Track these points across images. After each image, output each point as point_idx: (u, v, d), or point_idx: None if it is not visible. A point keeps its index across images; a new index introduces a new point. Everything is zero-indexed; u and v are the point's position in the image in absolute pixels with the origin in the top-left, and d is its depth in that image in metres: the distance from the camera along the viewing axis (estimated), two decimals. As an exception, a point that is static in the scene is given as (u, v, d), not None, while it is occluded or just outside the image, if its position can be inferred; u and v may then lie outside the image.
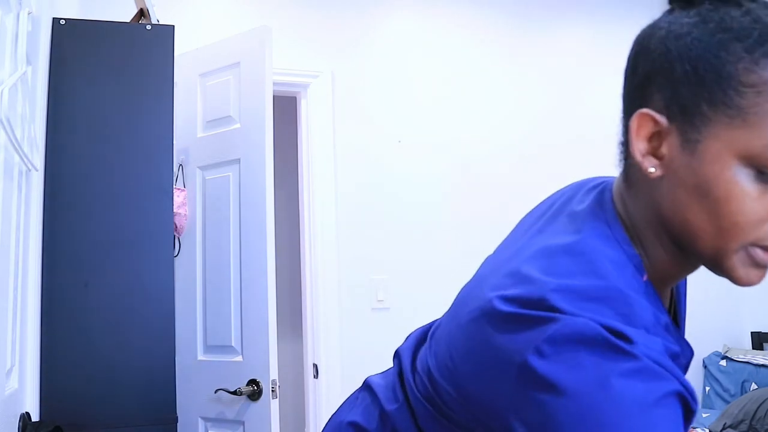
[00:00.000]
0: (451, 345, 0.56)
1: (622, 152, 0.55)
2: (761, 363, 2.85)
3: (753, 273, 0.50)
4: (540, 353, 0.44)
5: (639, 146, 0.50)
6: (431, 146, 2.82)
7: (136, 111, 1.26)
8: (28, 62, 1.00)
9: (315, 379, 2.26)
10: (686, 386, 0.45)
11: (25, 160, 0.95)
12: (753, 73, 0.45)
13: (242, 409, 1.71)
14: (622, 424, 0.40)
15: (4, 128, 0.79)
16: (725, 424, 2.52)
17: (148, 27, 1.31)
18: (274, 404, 1.65)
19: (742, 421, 2.49)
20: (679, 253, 0.53)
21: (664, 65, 0.49)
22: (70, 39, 1.23)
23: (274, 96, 1.82)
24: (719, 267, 0.50)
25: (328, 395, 2.22)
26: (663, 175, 0.50)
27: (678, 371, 0.46)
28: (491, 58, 3.01)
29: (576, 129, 3.11)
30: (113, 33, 1.28)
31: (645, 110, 0.49)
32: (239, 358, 1.74)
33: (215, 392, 1.72)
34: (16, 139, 0.84)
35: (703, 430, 2.60)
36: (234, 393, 1.67)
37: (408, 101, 2.82)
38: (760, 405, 2.49)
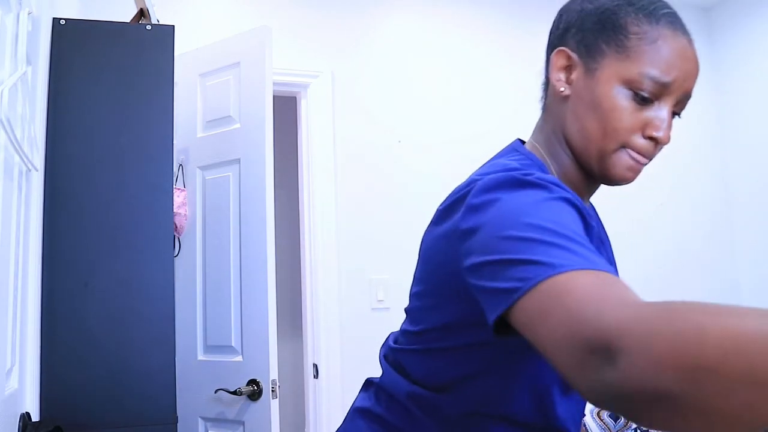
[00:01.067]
0: (416, 271, 0.73)
1: (543, 90, 0.75)
2: (761, 363, 2.85)
3: (627, 173, 0.67)
4: (468, 206, 0.59)
5: (556, 74, 0.70)
6: (431, 146, 2.82)
7: (136, 111, 1.26)
8: (28, 62, 1.00)
9: (315, 379, 2.26)
10: (579, 202, 0.59)
11: (25, 160, 0.95)
12: (636, 26, 0.64)
13: (242, 409, 1.71)
14: (525, 203, 0.55)
15: (5, 128, 0.79)
16: (725, 424, 2.52)
17: (148, 27, 1.31)
18: (274, 404, 1.65)
19: (741, 421, 2.49)
20: (576, 163, 0.71)
21: (579, 19, 0.69)
22: (70, 39, 1.23)
23: (274, 96, 1.82)
24: (602, 166, 0.67)
25: (328, 395, 2.22)
26: (570, 95, 0.69)
27: (572, 192, 0.59)
28: (491, 57, 3.01)
29: (576, 129, 3.11)
30: (113, 33, 1.28)
31: (562, 48, 0.69)
32: (239, 358, 1.74)
33: (215, 392, 1.72)
34: (16, 139, 0.84)
35: (702, 430, 2.60)
36: (234, 393, 1.67)
37: (408, 101, 2.82)
38: (760, 405, 2.49)
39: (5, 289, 0.88)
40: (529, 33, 3.09)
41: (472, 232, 0.57)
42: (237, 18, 2.52)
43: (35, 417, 1.09)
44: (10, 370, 0.93)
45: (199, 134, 1.94)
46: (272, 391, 1.64)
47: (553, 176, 0.65)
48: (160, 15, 1.66)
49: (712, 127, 3.41)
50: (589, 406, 2.71)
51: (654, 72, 0.63)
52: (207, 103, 1.92)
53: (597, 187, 0.75)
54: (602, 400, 0.43)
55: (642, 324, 0.39)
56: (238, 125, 1.84)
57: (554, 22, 0.73)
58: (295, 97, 2.62)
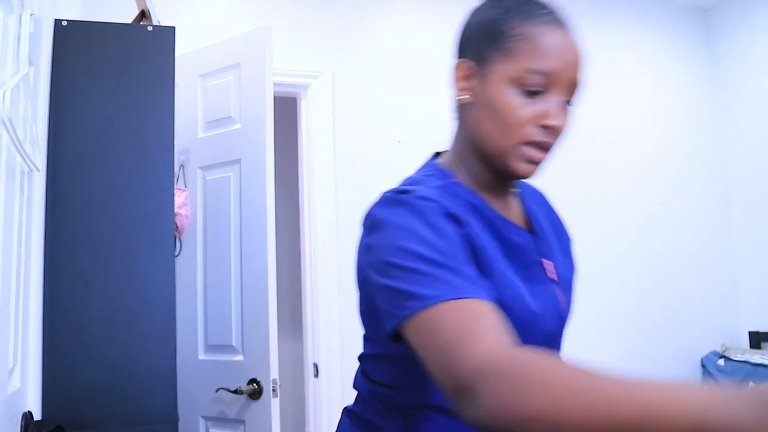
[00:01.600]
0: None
1: (454, 102, 0.78)
2: (759, 362, 2.86)
3: (527, 167, 0.71)
4: (363, 225, 0.71)
5: (457, 84, 0.75)
6: (431, 146, 2.82)
7: (137, 111, 1.27)
8: (30, 63, 1.01)
9: (315, 379, 2.27)
10: (449, 205, 0.67)
11: (27, 160, 0.95)
12: (515, 28, 0.70)
13: (243, 408, 1.72)
14: (399, 227, 0.64)
15: (7, 129, 0.79)
16: (724, 423, 2.53)
17: (150, 28, 1.32)
18: (275, 403, 1.66)
19: (740, 421, 2.50)
20: (483, 163, 0.75)
21: (472, 32, 0.76)
22: (71, 40, 1.24)
23: (274, 96, 1.82)
24: (504, 162, 0.71)
25: (328, 395, 2.23)
26: (472, 102, 0.73)
27: (446, 197, 0.69)
28: (491, 58, 3.01)
29: (575, 128, 3.11)
30: (115, 34, 1.28)
31: (461, 59, 0.75)
32: (240, 358, 1.75)
33: (216, 391, 1.72)
34: (18, 140, 0.85)
35: (701, 429, 2.61)
36: (235, 392, 1.67)
37: (408, 102, 2.82)
38: (759, 404, 2.50)
39: (7, 289, 0.88)
40: (528, 33, 3.09)
41: (367, 250, 0.69)
42: (237, 19, 2.53)
43: (37, 416, 1.09)
44: (12, 370, 0.94)
45: (200, 135, 1.94)
46: (273, 390, 1.65)
47: (433, 190, 0.70)
48: (161, 16, 1.67)
49: (711, 126, 3.41)
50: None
51: (534, 65, 0.68)
52: (207, 104, 1.93)
53: (511, 184, 0.79)
54: (474, 426, 0.53)
55: (492, 375, 0.51)
56: (238, 126, 1.84)
57: (456, 38, 0.80)
58: (296, 98, 2.63)
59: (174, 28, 1.32)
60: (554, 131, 0.70)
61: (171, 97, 1.30)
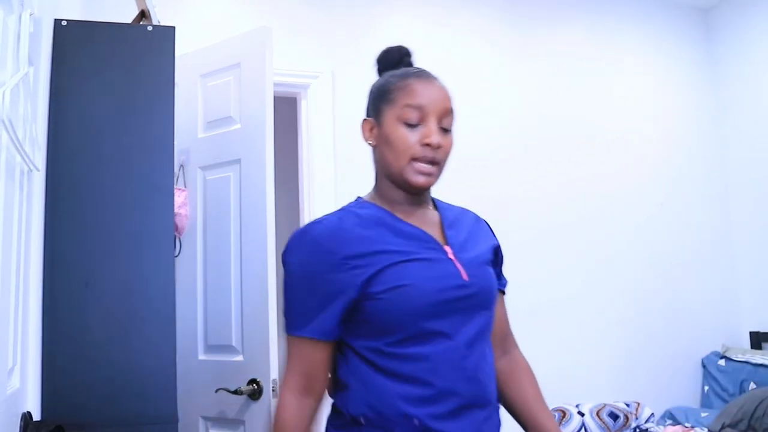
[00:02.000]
0: None
1: (371, 151, 1.06)
2: (760, 362, 2.86)
3: (420, 178, 0.97)
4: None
5: (365, 135, 1.04)
6: (431, 146, 2.82)
7: (137, 111, 1.27)
8: (30, 63, 1.01)
9: (315, 379, 2.26)
10: (320, 229, 0.98)
11: (27, 160, 0.95)
12: (395, 84, 1.00)
13: (243, 408, 1.72)
14: (291, 253, 0.99)
15: (6, 129, 0.79)
16: (724, 423, 2.53)
17: (149, 28, 1.32)
18: (275, 403, 1.65)
19: (740, 421, 2.50)
20: (395, 186, 1.01)
21: (370, 98, 1.06)
22: (71, 40, 1.23)
23: (274, 96, 1.82)
24: (403, 179, 0.98)
25: (326, 394, 2.22)
26: (376, 144, 1.02)
27: (331, 217, 1.00)
28: (490, 57, 3.01)
29: (575, 128, 3.12)
30: (114, 34, 1.28)
31: (365, 118, 1.05)
32: (240, 358, 1.75)
33: (216, 392, 1.72)
34: (17, 140, 0.85)
35: (702, 429, 2.61)
36: (234, 392, 1.67)
37: (408, 102, 2.82)
38: (759, 404, 2.50)
39: (7, 289, 0.88)
40: (528, 33, 3.10)
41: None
42: (237, 19, 2.52)
43: (36, 416, 1.09)
44: (11, 370, 0.93)
45: (200, 135, 1.94)
46: (273, 390, 1.64)
47: (329, 219, 0.99)
48: (160, 16, 1.67)
49: (711, 126, 3.41)
50: (588, 406, 2.71)
51: (410, 101, 0.97)
52: (207, 104, 1.93)
53: (419, 197, 1.03)
54: None
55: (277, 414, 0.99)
56: (238, 126, 1.84)
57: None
58: (296, 98, 2.63)
59: (174, 28, 1.32)
60: (434, 147, 0.96)
61: (171, 97, 1.30)
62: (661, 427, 2.69)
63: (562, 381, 2.87)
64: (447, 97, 1.01)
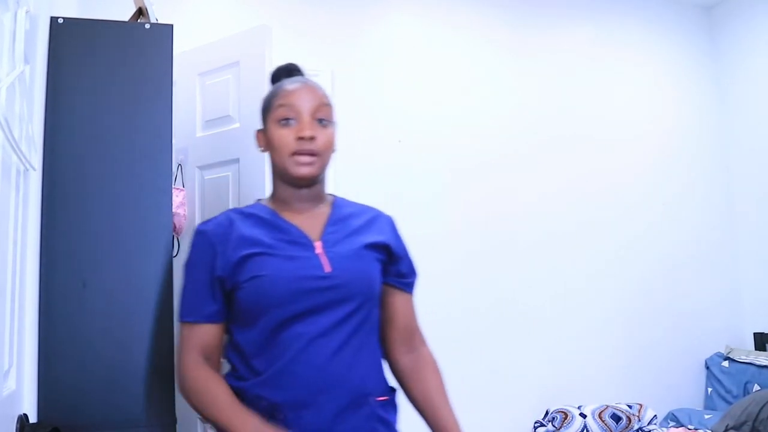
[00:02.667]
0: None
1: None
2: (764, 364, 2.84)
3: (301, 169, 1.06)
4: None
5: (259, 143, 1.14)
6: (431, 145, 2.81)
7: (135, 110, 1.25)
8: (26, 61, 1.00)
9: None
10: (207, 226, 1.09)
11: (23, 159, 0.94)
12: (272, 92, 1.13)
13: (242, 410, 1.70)
14: (187, 251, 1.10)
15: (2, 128, 0.78)
16: (728, 425, 2.51)
17: (147, 26, 1.31)
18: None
19: (744, 423, 2.48)
20: (285, 185, 1.11)
21: (262, 110, 1.14)
22: (68, 38, 1.22)
23: (274, 95, 1.81)
24: (288, 172, 1.07)
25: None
26: (266, 149, 1.12)
27: (216, 221, 1.10)
28: (491, 56, 3.00)
29: (576, 128, 3.10)
30: (112, 32, 1.27)
31: (258, 130, 1.15)
32: (239, 359, 1.73)
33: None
34: (13, 139, 0.84)
35: (705, 431, 2.59)
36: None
37: (408, 101, 2.81)
38: (763, 406, 2.48)
39: (3, 290, 0.87)
40: (529, 32, 3.08)
41: None
42: (236, 17, 2.51)
43: (33, 418, 1.08)
44: (7, 372, 0.92)
45: (198, 134, 1.93)
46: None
47: (214, 221, 1.10)
48: (158, 14, 1.66)
49: (715, 124, 3.40)
50: (591, 408, 2.69)
51: (281, 101, 1.08)
52: (206, 103, 1.92)
53: (309, 191, 1.11)
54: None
55: (180, 379, 1.06)
56: (237, 125, 1.83)
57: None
58: (296, 97, 2.60)
59: (172, 25, 1.31)
60: (309, 140, 1.05)
61: (169, 95, 1.29)
62: (664, 429, 2.68)
63: (564, 382, 2.86)
64: (319, 93, 1.10)
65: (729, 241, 3.29)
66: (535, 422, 2.73)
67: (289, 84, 1.10)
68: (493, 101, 2.95)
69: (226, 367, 1.09)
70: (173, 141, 1.30)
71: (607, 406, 2.69)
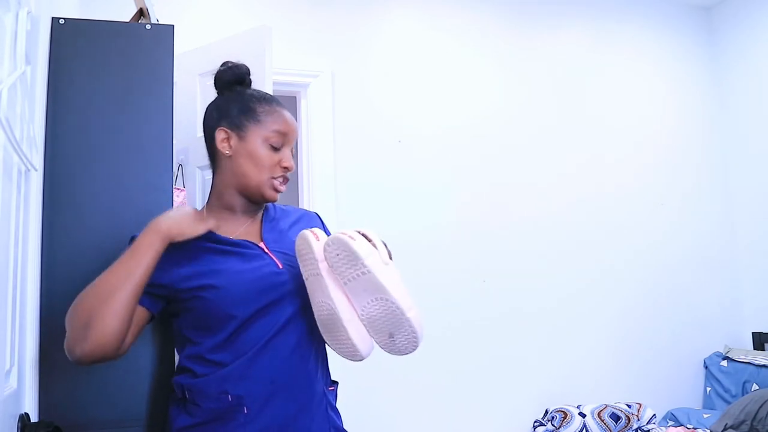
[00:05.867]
0: None
1: (209, 158, 1.19)
2: (762, 363, 2.85)
3: (275, 193, 1.13)
4: None
5: (220, 144, 1.13)
6: (431, 146, 2.81)
7: (136, 111, 1.26)
8: (27, 61, 1.00)
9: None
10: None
11: (24, 159, 0.95)
12: (261, 106, 1.14)
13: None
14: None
15: (3, 128, 0.78)
16: (726, 424, 2.52)
17: (148, 26, 1.31)
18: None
19: (743, 422, 2.49)
20: (240, 195, 1.14)
21: (226, 110, 1.15)
22: (69, 38, 1.23)
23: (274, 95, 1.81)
24: (260, 192, 1.12)
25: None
26: (232, 155, 1.12)
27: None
28: (491, 57, 3.00)
29: (577, 128, 3.11)
30: (113, 32, 1.27)
31: (220, 127, 1.14)
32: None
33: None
34: (15, 139, 0.84)
35: (704, 431, 2.60)
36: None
37: (408, 101, 2.81)
38: (762, 405, 2.49)
39: (4, 290, 0.87)
40: (530, 33, 3.09)
41: None
42: (237, 17, 2.52)
43: (34, 417, 1.08)
44: (9, 371, 0.93)
45: (199, 134, 1.92)
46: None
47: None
48: (159, 14, 1.66)
49: (714, 125, 3.40)
50: (590, 407, 2.70)
51: (279, 128, 1.12)
52: (206, 103, 1.91)
53: (258, 205, 1.17)
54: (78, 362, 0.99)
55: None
56: (238, 125, 1.83)
57: (206, 117, 1.19)
58: (295, 97, 2.62)
59: (173, 26, 1.31)
60: (288, 170, 1.13)
61: (169, 96, 1.29)
62: (663, 428, 2.68)
63: (563, 382, 2.86)
64: (296, 128, 1.18)
65: (728, 241, 3.30)
66: (535, 421, 2.74)
67: (285, 111, 1.15)
68: (493, 102, 2.96)
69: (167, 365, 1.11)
70: (174, 141, 1.30)
71: (606, 406, 2.69)
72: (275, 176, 1.11)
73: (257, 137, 1.10)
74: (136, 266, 0.97)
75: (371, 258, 0.94)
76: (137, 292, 0.98)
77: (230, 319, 1.04)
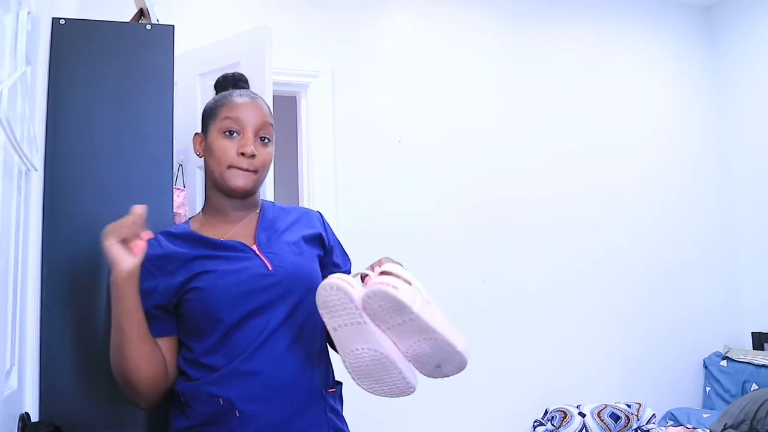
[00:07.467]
0: None
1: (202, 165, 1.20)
2: (762, 363, 2.85)
3: (238, 182, 1.10)
4: None
5: (196, 148, 1.17)
6: (431, 146, 2.82)
7: (136, 111, 1.26)
8: (28, 62, 1.00)
9: (315, 379, 2.26)
10: (154, 252, 1.06)
11: (25, 160, 0.95)
12: (219, 101, 1.15)
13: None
14: None
15: (4, 128, 0.79)
16: (726, 424, 2.52)
17: (148, 27, 1.31)
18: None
19: (742, 422, 2.49)
20: (220, 193, 1.14)
21: (205, 114, 1.17)
22: (69, 39, 1.23)
23: (274, 96, 1.81)
24: (225, 184, 1.11)
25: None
26: (203, 155, 1.15)
27: (152, 239, 1.04)
28: (491, 57, 3.00)
29: (578, 128, 3.11)
30: (113, 33, 1.28)
31: (197, 133, 1.18)
32: (239, 359, 1.74)
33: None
34: (15, 139, 0.84)
35: (703, 430, 2.60)
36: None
37: (408, 101, 2.82)
38: (761, 405, 2.49)
39: (5, 290, 0.88)
40: (530, 34, 3.09)
41: None
42: (237, 18, 2.52)
43: (34, 417, 1.09)
44: (9, 371, 0.93)
45: (199, 134, 1.93)
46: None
47: (154, 242, 1.07)
48: (159, 14, 1.66)
49: (713, 125, 3.40)
50: (590, 407, 2.70)
51: (228, 114, 1.11)
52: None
53: (242, 201, 1.15)
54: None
55: None
56: (238, 125, 1.84)
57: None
58: (295, 97, 2.62)
59: (173, 26, 1.32)
60: (249, 156, 1.09)
61: (170, 96, 1.29)
62: (663, 428, 2.68)
63: (563, 382, 2.86)
64: (264, 112, 1.13)
65: (727, 241, 3.30)
66: (535, 421, 2.74)
67: (238, 97, 1.12)
68: (493, 102, 2.96)
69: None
70: (174, 141, 1.30)
71: (606, 405, 2.69)
72: (238, 166, 1.09)
73: (214, 131, 1.11)
74: (122, 318, 0.98)
75: (417, 305, 0.90)
76: (140, 336, 1.00)
77: (217, 323, 1.03)
